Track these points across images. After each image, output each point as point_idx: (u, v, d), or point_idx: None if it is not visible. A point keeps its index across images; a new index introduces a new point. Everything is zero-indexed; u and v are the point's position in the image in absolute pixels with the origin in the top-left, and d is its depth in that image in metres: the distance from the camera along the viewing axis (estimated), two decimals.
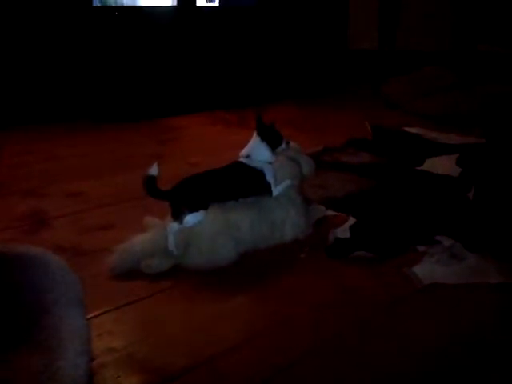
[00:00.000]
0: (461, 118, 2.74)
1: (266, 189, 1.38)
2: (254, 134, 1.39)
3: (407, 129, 2.55)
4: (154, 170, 1.26)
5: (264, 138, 1.38)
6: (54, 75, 2.57)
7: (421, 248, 1.37)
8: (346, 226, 1.49)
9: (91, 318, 1.04)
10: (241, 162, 1.38)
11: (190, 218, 1.26)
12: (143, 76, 2.74)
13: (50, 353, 0.84)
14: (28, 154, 2.12)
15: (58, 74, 2.58)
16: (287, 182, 1.41)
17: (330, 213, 1.58)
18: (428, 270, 1.25)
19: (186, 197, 1.29)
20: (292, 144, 1.46)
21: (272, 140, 1.39)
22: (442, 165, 2.01)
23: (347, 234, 1.44)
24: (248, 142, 1.41)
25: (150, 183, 1.25)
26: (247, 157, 1.38)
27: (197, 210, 1.27)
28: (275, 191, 1.39)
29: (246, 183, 1.37)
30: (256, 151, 1.38)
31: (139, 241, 1.26)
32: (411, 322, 1.08)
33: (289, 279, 1.24)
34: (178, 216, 1.26)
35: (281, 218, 1.39)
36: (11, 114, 2.48)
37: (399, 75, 3.35)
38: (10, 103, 2.49)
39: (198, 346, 0.99)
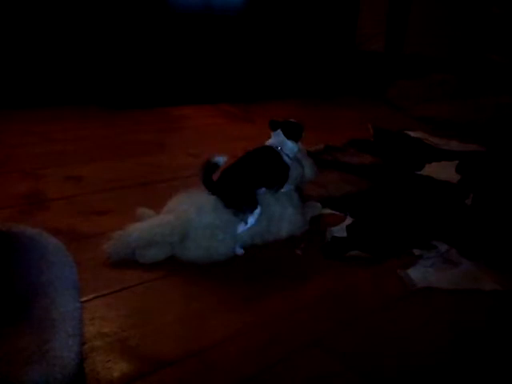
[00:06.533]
0: (463, 125, 2.75)
1: (282, 183, 1.39)
2: (278, 132, 1.41)
3: (409, 132, 2.55)
4: (221, 160, 1.27)
5: (289, 135, 1.40)
6: (60, 58, 2.57)
7: (416, 251, 1.37)
8: (343, 225, 1.49)
9: (84, 301, 1.04)
10: (275, 151, 1.39)
11: (253, 220, 1.29)
12: (148, 64, 2.74)
13: (42, 334, 0.84)
14: (30, 135, 2.12)
15: (64, 58, 2.58)
16: (291, 187, 1.44)
17: (328, 211, 1.58)
18: (422, 273, 1.26)
19: (243, 197, 1.30)
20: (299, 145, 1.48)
21: (295, 136, 1.42)
22: (441, 170, 2.01)
23: (344, 234, 1.45)
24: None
25: (210, 170, 1.27)
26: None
27: (255, 208, 1.29)
28: (284, 188, 1.40)
29: (276, 175, 1.39)
30: (285, 145, 1.40)
31: (136, 229, 1.25)
32: (403, 324, 1.09)
33: (283, 275, 1.25)
34: (235, 212, 1.28)
35: (278, 214, 1.39)
36: (14, 94, 2.48)
37: (405, 79, 3.35)
38: (15, 84, 2.48)
39: (189, 337, 0.99)
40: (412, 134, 2.54)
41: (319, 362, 0.95)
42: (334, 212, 1.58)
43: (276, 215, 1.39)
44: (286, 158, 1.39)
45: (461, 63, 3.43)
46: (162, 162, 1.90)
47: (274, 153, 1.39)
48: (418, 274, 1.26)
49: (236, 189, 1.30)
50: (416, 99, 3.11)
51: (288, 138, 1.40)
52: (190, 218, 1.26)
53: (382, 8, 3.59)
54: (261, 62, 3.15)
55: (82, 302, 1.00)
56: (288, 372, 0.92)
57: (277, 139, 1.40)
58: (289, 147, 1.40)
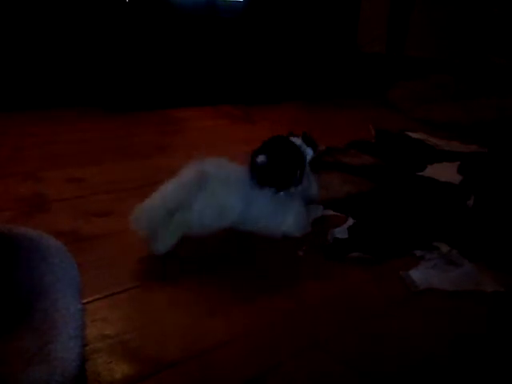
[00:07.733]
0: (464, 126, 2.75)
1: (299, 181, 1.42)
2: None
3: (410, 134, 2.55)
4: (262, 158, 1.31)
5: (308, 143, 1.46)
6: (61, 60, 2.57)
7: (418, 253, 1.37)
8: (345, 226, 1.49)
9: (86, 303, 1.03)
10: (299, 148, 1.42)
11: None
12: (149, 66, 2.73)
13: (43, 335, 0.84)
14: (30, 136, 2.12)
15: (64, 60, 2.58)
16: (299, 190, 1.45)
17: (329, 213, 1.58)
18: (424, 274, 1.25)
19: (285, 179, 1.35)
20: None
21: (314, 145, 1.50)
22: (443, 171, 2.01)
23: (345, 235, 1.44)
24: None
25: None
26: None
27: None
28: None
29: (299, 168, 1.40)
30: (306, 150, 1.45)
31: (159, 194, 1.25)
32: (404, 324, 1.09)
33: (285, 277, 1.25)
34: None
35: (281, 206, 1.37)
36: (14, 96, 2.48)
37: (406, 80, 3.35)
38: (15, 86, 2.48)
39: (190, 339, 0.99)
40: (413, 135, 2.54)
41: (320, 363, 0.95)
42: (335, 213, 1.57)
43: (279, 206, 1.36)
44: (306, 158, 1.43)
45: (462, 65, 3.43)
46: (162, 164, 1.90)
47: (298, 149, 1.42)
48: (420, 275, 1.25)
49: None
50: (417, 100, 3.11)
51: (307, 145, 1.45)
52: (208, 170, 1.27)
53: (383, 10, 3.59)
54: (262, 64, 3.14)
55: (83, 304, 1.00)
56: (289, 373, 0.92)
57: (297, 141, 1.44)
58: (307, 152, 1.43)
